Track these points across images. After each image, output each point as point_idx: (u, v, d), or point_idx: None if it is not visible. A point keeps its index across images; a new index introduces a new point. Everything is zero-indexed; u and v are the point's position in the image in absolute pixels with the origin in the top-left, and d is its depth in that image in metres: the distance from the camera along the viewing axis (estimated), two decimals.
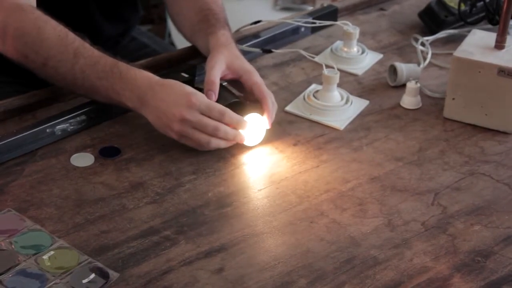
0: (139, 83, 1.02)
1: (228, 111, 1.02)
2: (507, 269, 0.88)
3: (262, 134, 1.07)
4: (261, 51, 1.24)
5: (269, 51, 1.25)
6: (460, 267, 0.89)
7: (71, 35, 1.04)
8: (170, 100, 1.00)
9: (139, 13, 1.38)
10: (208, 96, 1.03)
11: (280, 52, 1.26)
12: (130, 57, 1.12)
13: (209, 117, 1.00)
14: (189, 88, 1.02)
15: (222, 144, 1.03)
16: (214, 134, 1.01)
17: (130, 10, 1.35)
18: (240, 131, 1.03)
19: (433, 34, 1.34)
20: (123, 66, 1.03)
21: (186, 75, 1.15)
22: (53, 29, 1.04)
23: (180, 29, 1.25)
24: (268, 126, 1.06)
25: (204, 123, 1.00)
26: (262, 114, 1.06)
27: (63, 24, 1.05)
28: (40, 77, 1.07)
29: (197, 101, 1.00)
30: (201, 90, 1.05)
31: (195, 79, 1.17)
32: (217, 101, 1.07)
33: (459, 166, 1.05)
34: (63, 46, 1.03)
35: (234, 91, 1.11)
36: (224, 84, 1.12)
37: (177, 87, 1.02)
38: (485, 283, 0.86)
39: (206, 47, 1.13)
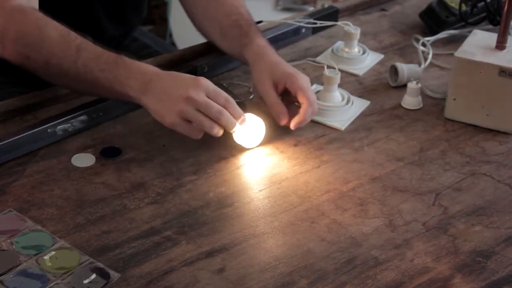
0: (143, 71, 1.01)
1: (233, 101, 1.02)
2: (508, 270, 0.88)
3: (260, 137, 1.07)
4: None
5: None
6: (461, 267, 0.88)
7: (73, 34, 1.04)
8: (177, 83, 1.00)
9: (142, 14, 1.39)
10: (282, 120, 1.07)
11: (283, 54, 1.26)
12: (132, 58, 1.13)
13: (215, 101, 1.00)
14: (203, 78, 1.02)
15: (221, 132, 1.01)
16: (217, 118, 1.00)
17: (134, 11, 1.35)
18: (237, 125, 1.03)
19: (434, 34, 1.34)
20: (127, 58, 1.03)
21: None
22: (54, 28, 1.04)
23: (206, 33, 1.24)
24: (292, 127, 1.08)
25: (210, 104, 0.99)
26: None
27: (65, 25, 1.05)
28: (43, 78, 1.07)
29: (205, 83, 1.00)
30: None
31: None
32: None
33: (460, 166, 1.05)
34: (66, 43, 1.03)
35: (235, 92, 1.11)
36: (224, 85, 1.12)
37: (184, 74, 1.02)
38: (486, 284, 0.86)
39: (239, 54, 1.15)
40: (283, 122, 1.07)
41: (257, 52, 1.12)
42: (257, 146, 1.07)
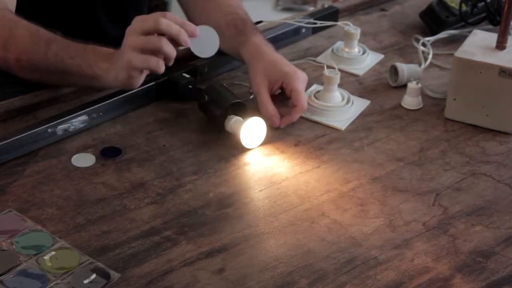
0: (112, 52, 1.03)
1: (160, 15, 0.99)
2: (508, 270, 0.88)
3: (261, 137, 1.07)
4: None
5: None
6: (461, 267, 0.88)
7: (43, 30, 1.06)
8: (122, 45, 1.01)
9: (143, 14, 1.39)
10: (274, 124, 1.08)
11: (283, 54, 1.26)
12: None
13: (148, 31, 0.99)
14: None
15: (173, 47, 0.99)
16: (156, 26, 0.98)
17: (135, 12, 1.35)
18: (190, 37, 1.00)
19: (434, 34, 1.34)
20: (96, 45, 1.04)
21: (188, 76, 1.15)
22: (23, 27, 1.06)
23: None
24: (281, 126, 1.09)
25: (147, 19, 0.99)
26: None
27: (35, 23, 1.07)
28: (14, 74, 1.08)
29: (135, 25, 1.00)
30: (201, 91, 1.05)
31: (196, 79, 1.18)
32: (218, 101, 1.07)
33: (460, 166, 1.05)
34: (36, 38, 1.05)
35: (235, 92, 1.11)
36: (224, 84, 1.12)
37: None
38: (486, 284, 0.86)
39: (237, 54, 1.15)
40: (274, 124, 1.08)
41: (254, 51, 1.12)
42: (257, 147, 1.07)
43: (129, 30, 1.01)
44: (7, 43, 1.05)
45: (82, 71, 1.04)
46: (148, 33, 0.99)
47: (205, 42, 1.02)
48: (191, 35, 1.01)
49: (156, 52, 0.99)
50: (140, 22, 1.00)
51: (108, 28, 1.29)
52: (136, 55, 0.99)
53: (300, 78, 1.09)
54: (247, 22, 1.17)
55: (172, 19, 0.99)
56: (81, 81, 1.06)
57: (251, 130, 1.05)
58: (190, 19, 1.25)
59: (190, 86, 1.13)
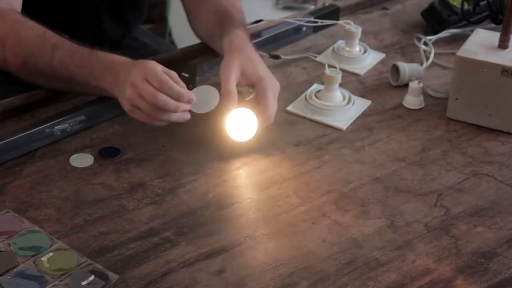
0: (115, 64, 1.02)
1: (168, 81, 0.98)
2: (511, 271, 0.88)
3: (253, 130, 1.05)
4: (268, 56, 1.23)
5: (277, 57, 1.24)
6: (463, 268, 0.88)
7: (49, 32, 1.05)
8: (131, 71, 1.00)
9: (143, 14, 1.38)
10: (230, 106, 1.02)
11: (283, 53, 1.25)
12: (131, 57, 1.12)
13: (151, 84, 0.98)
14: (152, 62, 1.00)
15: (172, 118, 0.99)
16: (153, 102, 0.98)
17: (135, 12, 1.35)
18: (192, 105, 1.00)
19: (436, 33, 1.33)
20: (100, 52, 1.04)
21: (186, 75, 1.14)
22: (30, 29, 1.05)
23: (196, 33, 1.24)
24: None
25: (145, 89, 0.98)
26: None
27: (42, 24, 1.06)
28: (22, 78, 1.07)
29: (148, 67, 0.98)
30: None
31: (196, 78, 1.17)
32: None
33: (462, 166, 1.05)
34: (42, 42, 1.04)
35: None
36: (216, 67, 1.10)
37: (141, 61, 1.01)
38: (488, 285, 0.86)
39: (215, 42, 1.13)
40: (229, 107, 1.02)
41: (236, 43, 1.09)
42: (257, 146, 1.06)
43: (140, 69, 0.98)
44: (13, 45, 1.04)
45: (87, 81, 1.03)
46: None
47: (203, 100, 1.03)
48: (189, 103, 1.00)
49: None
50: (150, 73, 0.98)
51: (108, 28, 1.28)
52: (136, 97, 0.98)
53: (273, 86, 1.05)
54: (235, 18, 1.15)
55: (166, 91, 0.97)
56: (87, 90, 1.06)
57: (238, 121, 1.03)
58: (190, 23, 1.25)
59: (190, 86, 1.12)
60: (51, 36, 1.05)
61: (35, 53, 1.04)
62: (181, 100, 0.99)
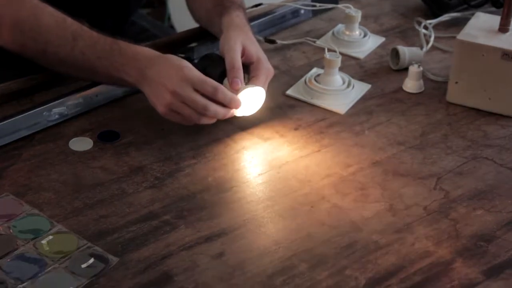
0: (139, 57, 1.01)
1: (222, 88, 0.99)
2: (510, 254, 0.88)
3: (257, 106, 1.04)
4: (263, 40, 1.23)
5: (273, 42, 1.24)
6: (462, 251, 0.88)
7: (69, 20, 1.04)
8: (164, 72, 0.99)
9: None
10: (233, 85, 1.01)
11: (282, 37, 1.25)
12: (130, 42, 1.11)
13: (202, 92, 0.98)
14: (184, 62, 1.00)
15: (212, 121, 1.01)
16: (203, 113, 0.99)
17: (135, 5, 1.34)
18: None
19: (436, 17, 1.33)
20: (122, 43, 1.02)
21: (183, 55, 1.13)
22: (50, 15, 1.03)
23: (196, 18, 1.23)
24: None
25: (194, 100, 0.98)
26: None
27: (61, 11, 1.04)
28: (40, 64, 1.06)
29: (190, 74, 0.98)
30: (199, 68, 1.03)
31: (194, 60, 1.16)
32: (210, 67, 1.04)
33: (462, 150, 1.04)
34: (62, 30, 1.03)
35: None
36: (215, 50, 1.10)
37: (174, 60, 1.00)
38: (487, 268, 0.86)
39: (214, 23, 1.12)
40: (235, 85, 1.01)
41: (236, 22, 1.08)
42: (257, 130, 1.06)
43: (182, 77, 0.98)
44: (33, 32, 1.03)
45: (110, 73, 1.02)
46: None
47: (249, 103, 1.03)
48: (236, 108, 1.01)
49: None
50: (198, 81, 0.98)
51: (107, 13, 1.27)
52: (179, 104, 0.98)
53: (269, 70, 1.05)
54: (234, 1, 1.13)
55: (220, 97, 0.98)
56: (109, 81, 1.05)
57: (249, 97, 1.03)
58: (188, 8, 1.24)
59: None
60: (71, 23, 1.03)
61: (55, 42, 1.02)
62: (232, 106, 1.00)
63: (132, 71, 1.01)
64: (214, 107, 0.99)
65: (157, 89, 0.99)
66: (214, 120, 1.01)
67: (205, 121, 1.01)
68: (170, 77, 0.98)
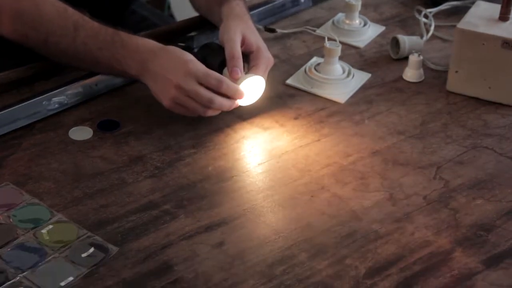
0: (140, 50, 1.01)
1: (226, 80, 0.99)
2: (509, 243, 0.88)
3: (257, 95, 1.04)
4: (263, 29, 1.22)
5: (273, 31, 1.23)
6: (462, 241, 0.88)
7: (70, 10, 1.03)
8: (168, 65, 0.99)
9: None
10: (233, 74, 1.01)
11: (282, 26, 1.24)
12: (130, 31, 1.11)
13: (206, 85, 0.98)
14: (188, 55, 1.00)
15: (216, 113, 1.02)
16: (208, 105, 0.99)
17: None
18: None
19: (436, 6, 1.32)
20: (124, 34, 1.02)
21: (183, 44, 1.13)
22: (51, 5, 1.03)
23: (196, 7, 1.22)
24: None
25: (199, 93, 0.98)
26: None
27: (62, 0, 1.04)
28: (41, 54, 1.06)
29: (194, 68, 0.98)
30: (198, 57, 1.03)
31: (193, 49, 1.16)
32: (210, 56, 1.04)
33: (462, 139, 1.04)
34: (63, 20, 1.02)
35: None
36: (214, 39, 1.09)
37: (177, 53, 1.00)
38: (487, 257, 0.86)
39: (213, 12, 1.11)
40: (235, 74, 1.01)
41: (237, 11, 1.08)
42: (257, 119, 1.06)
43: (186, 71, 0.97)
44: (34, 22, 1.02)
45: (112, 65, 1.02)
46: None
47: (249, 92, 1.03)
48: (240, 98, 1.01)
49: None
50: (202, 75, 0.98)
51: (107, 2, 1.27)
52: (183, 98, 0.99)
53: (269, 59, 1.05)
54: None
55: (224, 89, 0.99)
56: (112, 72, 1.05)
57: (249, 87, 1.03)
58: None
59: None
60: (72, 13, 1.03)
61: (57, 32, 1.02)
62: (236, 97, 1.00)
63: (134, 64, 1.00)
64: (219, 100, 0.99)
65: (161, 83, 0.99)
66: (218, 112, 1.02)
67: (210, 113, 1.01)
68: (174, 71, 0.98)
